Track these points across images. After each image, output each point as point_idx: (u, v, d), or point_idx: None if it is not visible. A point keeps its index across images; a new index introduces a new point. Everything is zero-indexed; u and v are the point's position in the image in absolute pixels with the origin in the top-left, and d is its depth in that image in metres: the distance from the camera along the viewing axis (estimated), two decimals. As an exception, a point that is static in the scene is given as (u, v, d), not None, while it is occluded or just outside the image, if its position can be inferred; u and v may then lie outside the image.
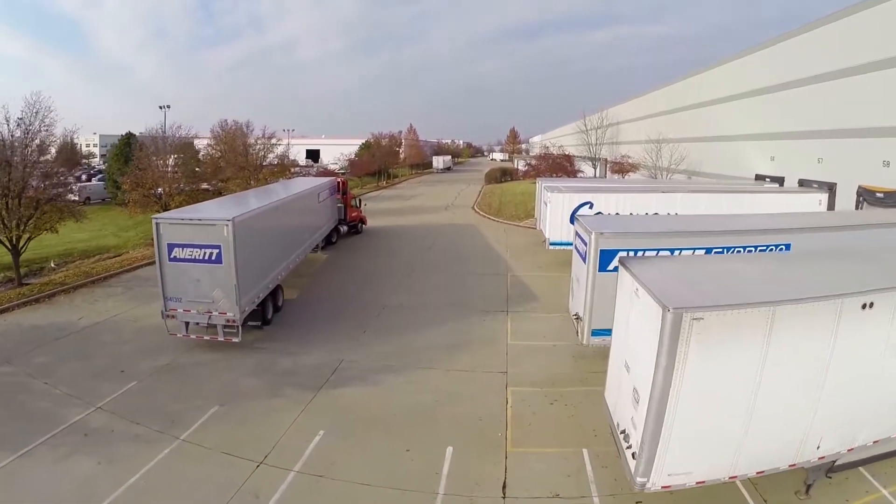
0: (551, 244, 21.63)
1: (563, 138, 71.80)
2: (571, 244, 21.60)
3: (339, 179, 30.93)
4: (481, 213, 39.66)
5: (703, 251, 11.38)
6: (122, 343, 14.77)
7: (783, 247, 12.44)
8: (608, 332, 11.36)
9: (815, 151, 24.17)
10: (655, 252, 10.96)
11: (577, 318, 11.81)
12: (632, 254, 10.84)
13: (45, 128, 20.91)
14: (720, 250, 11.58)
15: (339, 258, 25.53)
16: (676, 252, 11.14)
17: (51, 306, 18.22)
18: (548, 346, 13.88)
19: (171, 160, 29.00)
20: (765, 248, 12.18)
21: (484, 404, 11.08)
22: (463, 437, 9.95)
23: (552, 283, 19.68)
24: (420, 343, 14.26)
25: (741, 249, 11.81)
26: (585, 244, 11.45)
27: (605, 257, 10.95)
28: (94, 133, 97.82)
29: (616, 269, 11.05)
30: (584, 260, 11.61)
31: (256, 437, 10.05)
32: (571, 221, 21.52)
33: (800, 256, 9.51)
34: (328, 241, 27.67)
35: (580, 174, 53.25)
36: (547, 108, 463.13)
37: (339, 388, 11.94)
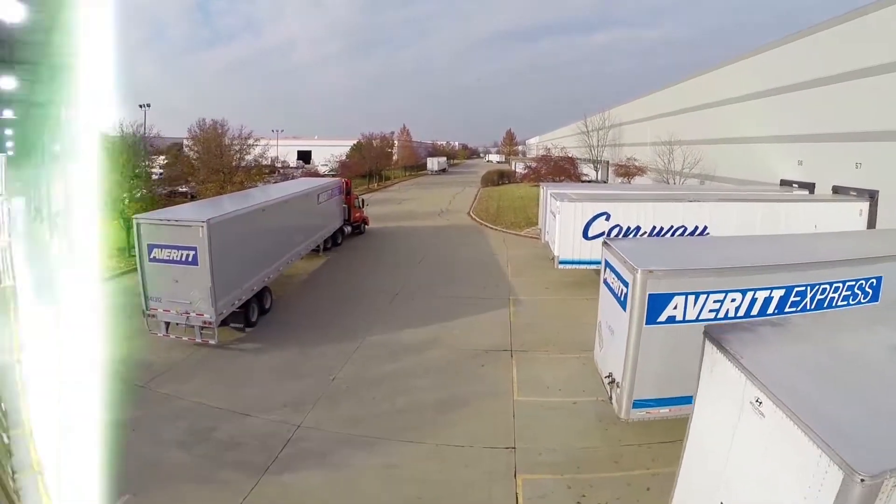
0: (561, 262, 18.54)
1: (561, 140, 68.92)
2: (584, 263, 18.75)
3: (343, 180, 29.78)
4: (478, 219, 36.65)
5: (783, 290, 8.42)
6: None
7: (874, 280, 9.62)
8: (656, 402, 8.42)
9: (853, 155, 21.37)
10: (723, 295, 8.03)
11: (610, 382, 8.75)
12: (692, 298, 7.90)
13: None
14: (802, 288, 8.64)
15: (323, 271, 22.61)
16: (749, 293, 8.19)
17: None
18: (566, 405, 10.73)
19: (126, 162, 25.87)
20: (854, 282, 9.31)
21: (486, 504, 8.02)
22: (456, 569, 6.91)
23: (563, 309, 16.68)
24: (401, 401, 10.98)
25: (827, 286, 8.89)
26: (624, 284, 8.33)
27: (656, 304, 7.85)
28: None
29: (671, 320, 8.17)
30: (622, 305, 8.48)
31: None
32: (585, 235, 18.56)
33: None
34: (334, 242, 26.40)
35: (584, 177, 50.46)
36: (543, 110, 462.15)
37: (290, 472, 8.79)
